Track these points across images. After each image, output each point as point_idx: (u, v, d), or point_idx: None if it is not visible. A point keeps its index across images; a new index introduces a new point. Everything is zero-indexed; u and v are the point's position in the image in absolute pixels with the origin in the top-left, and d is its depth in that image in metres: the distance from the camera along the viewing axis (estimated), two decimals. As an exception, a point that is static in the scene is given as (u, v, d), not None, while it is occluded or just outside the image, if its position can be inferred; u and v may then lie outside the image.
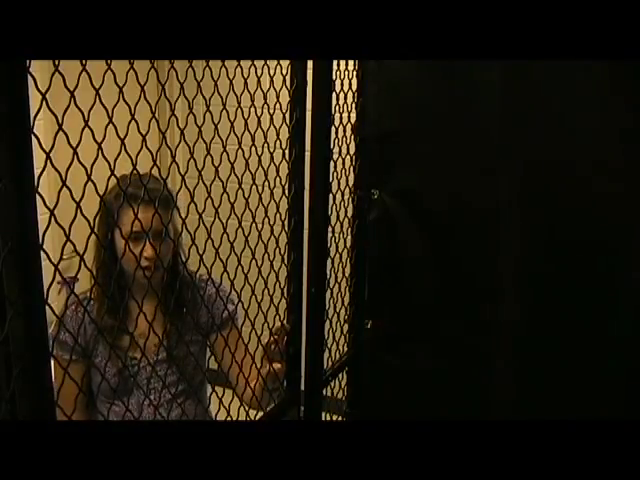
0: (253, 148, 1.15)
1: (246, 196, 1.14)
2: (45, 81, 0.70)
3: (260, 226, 1.19)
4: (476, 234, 1.56)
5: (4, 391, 0.73)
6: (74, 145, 0.74)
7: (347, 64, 1.54)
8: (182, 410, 1.53)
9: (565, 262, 1.46)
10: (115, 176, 0.85)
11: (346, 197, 1.61)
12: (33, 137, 0.70)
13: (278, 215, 1.28)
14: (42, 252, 0.73)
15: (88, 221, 0.81)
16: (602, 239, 1.43)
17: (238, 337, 1.40)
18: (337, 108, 1.49)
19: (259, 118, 1.13)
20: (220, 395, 1.19)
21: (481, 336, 1.57)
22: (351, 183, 1.64)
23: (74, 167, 0.75)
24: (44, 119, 0.74)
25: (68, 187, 0.75)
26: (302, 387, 1.45)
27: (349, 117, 1.59)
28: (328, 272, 1.49)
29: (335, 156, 1.52)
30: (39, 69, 0.72)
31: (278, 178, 1.25)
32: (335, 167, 1.52)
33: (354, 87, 1.60)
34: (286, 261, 1.35)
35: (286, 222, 1.33)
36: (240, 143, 1.13)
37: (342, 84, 1.51)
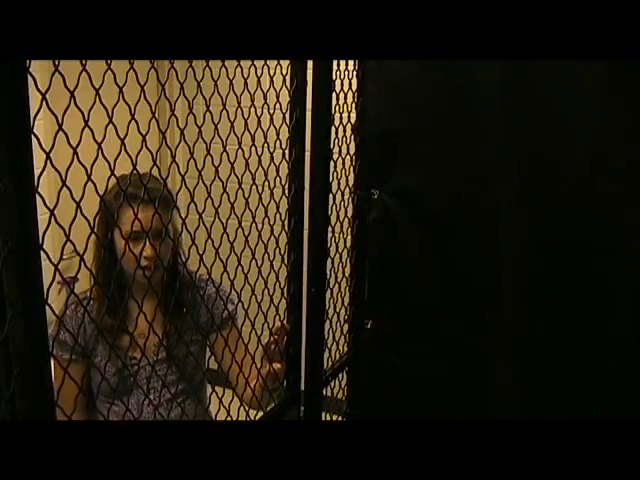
0: (253, 148, 1.14)
1: (246, 196, 1.14)
2: (45, 81, 0.70)
3: (260, 226, 1.19)
4: (476, 234, 1.56)
5: (4, 391, 0.73)
6: (74, 145, 0.74)
7: (347, 64, 1.53)
8: (182, 410, 1.54)
9: (565, 262, 1.46)
10: (115, 176, 0.85)
11: (346, 197, 1.61)
12: (33, 137, 0.70)
13: (278, 215, 1.28)
14: (42, 252, 0.73)
15: (88, 221, 0.81)
16: (602, 239, 1.43)
17: (238, 337, 1.40)
18: (337, 108, 1.49)
19: (259, 118, 1.13)
20: (220, 395, 1.19)
21: (481, 336, 1.57)
22: (351, 183, 1.64)
23: (74, 167, 0.75)
24: (44, 119, 0.74)
25: (68, 187, 0.75)
26: (302, 387, 1.45)
27: (349, 117, 1.58)
28: (328, 272, 1.49)
29: (335, 156, 1.52)
30: (39, 69, 0.72)
31: (278, 178, 1.25)
32: (335, 167, 1.52)
33: (354, 87, 1.60)
34: (286, 261, 1.35)
35: (286, 222, 1.33)
36: (240, 143, 1.13)
37: (342, 84, 1.51)
